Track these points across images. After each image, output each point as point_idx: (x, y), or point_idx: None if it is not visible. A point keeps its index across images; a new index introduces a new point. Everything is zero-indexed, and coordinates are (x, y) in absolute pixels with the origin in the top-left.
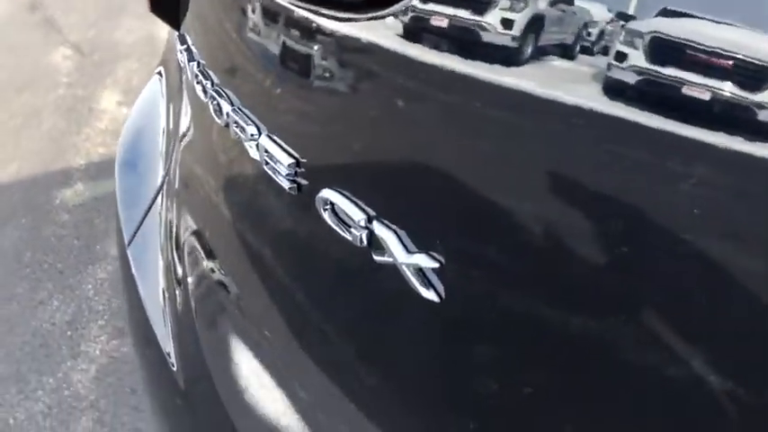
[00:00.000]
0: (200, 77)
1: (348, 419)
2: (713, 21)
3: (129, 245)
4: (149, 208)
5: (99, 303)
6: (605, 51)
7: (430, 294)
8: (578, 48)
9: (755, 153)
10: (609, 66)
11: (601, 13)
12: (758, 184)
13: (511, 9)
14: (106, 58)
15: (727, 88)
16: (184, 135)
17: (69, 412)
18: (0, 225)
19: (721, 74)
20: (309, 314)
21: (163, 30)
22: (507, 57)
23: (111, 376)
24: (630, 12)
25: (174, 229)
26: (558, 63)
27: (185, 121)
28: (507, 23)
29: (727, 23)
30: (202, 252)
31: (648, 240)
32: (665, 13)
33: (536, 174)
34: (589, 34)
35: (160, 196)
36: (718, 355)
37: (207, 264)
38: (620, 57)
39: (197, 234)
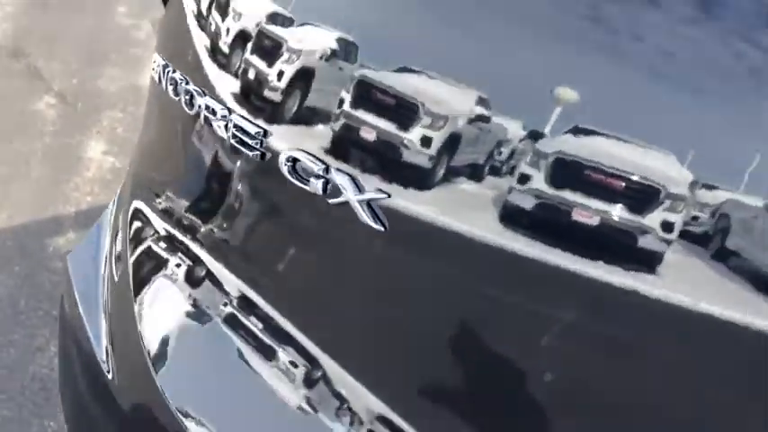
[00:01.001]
0: (176, 80)
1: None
2: (619, 139)
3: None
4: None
5: None
6: (512, 172)
7: (377, 226)
8: (487, 168)
9: (632, 286)
10: (510, 189)
11: (515, 131)
12: (632, 317)
13: (431, 126)
14: (90, 106)
15: (616, 212)
16: (143, 145)
17: None
18: None
19: (612, 196)
20: (277, 267)
21: (145, 79)
22: (420, 178)
23: None
24: (546, 130)
25: (124, 227)
26: (464, 186)
27: (147, 130)
28: (426, 141)
29: (631, 142)
30: (170, 231)
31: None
32: (575, 130)
33: (432, 299)
34: (500, 153)
35: (112, 203)
36: None
37: (178, 242)
38: (523, 179)
39: (158, 217)
